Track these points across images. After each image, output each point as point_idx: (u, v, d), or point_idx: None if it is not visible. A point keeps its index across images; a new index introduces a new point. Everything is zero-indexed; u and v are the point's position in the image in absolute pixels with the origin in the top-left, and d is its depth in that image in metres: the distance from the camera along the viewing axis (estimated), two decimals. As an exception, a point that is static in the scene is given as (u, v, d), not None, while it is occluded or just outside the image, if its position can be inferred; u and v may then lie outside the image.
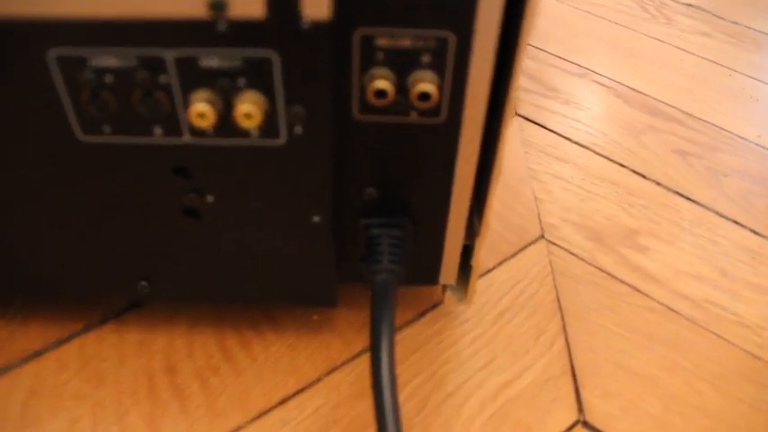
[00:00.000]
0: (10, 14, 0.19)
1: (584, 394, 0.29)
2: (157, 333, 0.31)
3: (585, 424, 0.28)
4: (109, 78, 0.21)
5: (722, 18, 0.57)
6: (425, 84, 0.22)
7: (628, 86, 0.48)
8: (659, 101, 0.47)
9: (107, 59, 0.20)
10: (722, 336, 0.32)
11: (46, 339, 0.31)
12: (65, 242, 0.26)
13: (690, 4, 0.59)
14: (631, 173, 0.40)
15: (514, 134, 0.42)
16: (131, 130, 0.22)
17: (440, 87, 0.22)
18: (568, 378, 0.30)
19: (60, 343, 0.31)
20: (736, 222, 0.38)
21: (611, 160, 0.41)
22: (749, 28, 0.56)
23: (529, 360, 0.30)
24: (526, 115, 0.45)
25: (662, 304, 0.33)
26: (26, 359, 0.30)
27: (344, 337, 0.31)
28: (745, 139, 0.44)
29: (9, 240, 0.26)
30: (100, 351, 0.31)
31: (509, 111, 0.23)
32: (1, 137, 0.23)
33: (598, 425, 0.28)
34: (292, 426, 0.28)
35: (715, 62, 0.51)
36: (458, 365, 0.30)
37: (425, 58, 0.22)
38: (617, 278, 0.34)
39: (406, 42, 0.21)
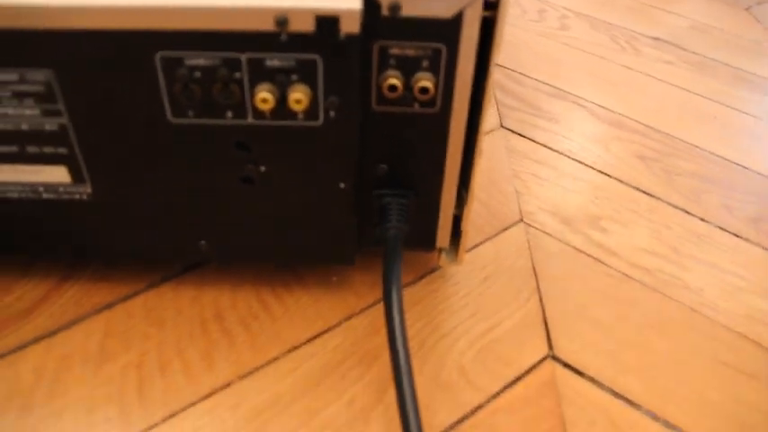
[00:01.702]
0: (133, 26, 0.29)
1: (553, 336, 0.39)
2: (206, 291, 0.41)
3: (554, 357, 0.38)
4: (197, 74, 0.31)
5: (685, 49, 0.69)
6: (425, 81, 0.32)
7: (599, 105, 0.59)
8: (625, 116, 0.57)
9: (198, 60, 0.30)
10: (669, 296, 0.42)
11: (114, 296, 0.41)
12: (143, 207, 0.36)
13: (656, 38, 0.71)
14: (598, 173, 0.51)
15: (500, 142, 0.53)
16: (209, 113, 0.32)
17: (435, 85, 0.32)
18: (541, 325, 0.39)
19: (127, 298, 0.40)
20: (686, 212, 0.48)
21: (582, 163, 0.52)
22: (708, 58, 0.68)
23: (509, 312, 0.40)
24: (511, 128, 0.55)
25: (619, 272, 0.43)
26: (99, 310, 0.40)
27: (359, 293, 0.41)
28: (699, 148, 0.54)
29: (99, 207, 0.36)
30: (160, 304, 0.40)
31: (486, 103, 0.33)
32: (109, 117, 0.32)
33: (564, 358, 0.38)
34: (319, 356, 0.37)
35: (677, 86, 0.63)
36: (450, 315, 0.40)
37: (425, 63, 0.32)
38: (583, 252, 0.44)
39: (411, 51, 0.31)
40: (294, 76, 0.31)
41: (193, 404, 0.35)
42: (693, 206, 0.48)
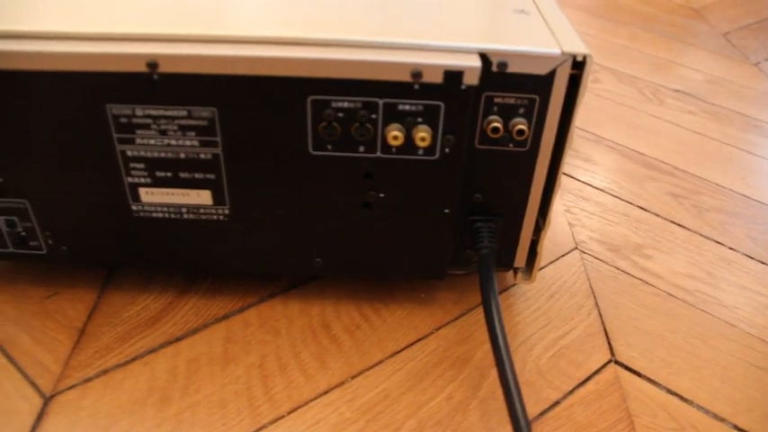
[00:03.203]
0: (292, 73, 0.38)
1: (614, 344, 0.47)
2: (313, 304, 0.48)
3: (616, 362, 0.46)
4: (340, 114, 0.39)
5: (703, 100, 0.80)
6: (521, 125, 0.41)
7: (631, 149, 0.69)
8: (655, 159, 0.67)
9: (342, 103, 0.39)
10: (708, 312, 0.50)
11: (229, 308, 0.48)
12: (271, 227, 0.44)
13: (678, 90, 0.82)
14: (637, 208, 0.60)
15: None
16: (345, 148, 0.41)
17: (529, 128, 0.41)
18: (602, 335, 0.48)
19: (242, 310, 0.48)
20: (716, 242, 0.57)
21: (622, 199, 0.61)
22: (724, 108, 0.79)
23: (574, 323, 0.48)
24: (556, 168, 0.65)
25: (664, 291, 0.52)
26: (218, 320, 0.47)
27: (445, 308, 0.49)
28: (721, 186, 0.64)
29: (233, 227, 0.44)
30: (272, 315, 0.48)
31: (568, 146, 0.42)
32: (257, 148, 0.41)
33: (624, 362, 0.46)
34: (418, 359, 0.45)
35: (698, 132, 0.73)
36: (525, 326, 0.48)
37: (521, 110, 0.40)
38: (631, 275, 0.53)
39: (512, 100, 0.40)
40: (420, 118, 0.39)
41: (313, 399, 0.42)
42: (722, 237, 0.58)
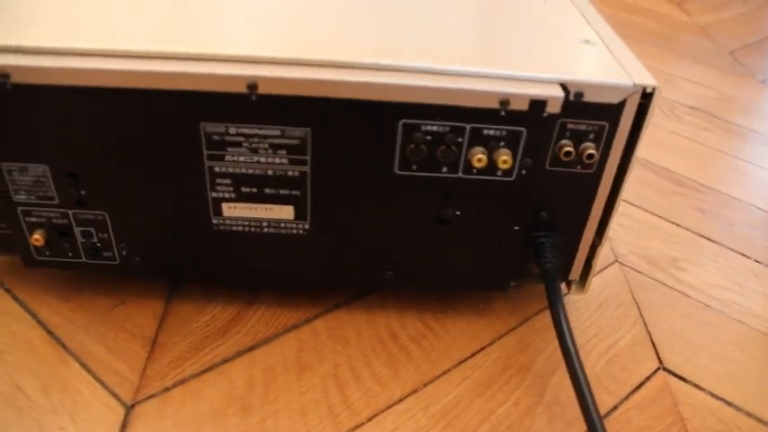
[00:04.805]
0: (386, 98, 0.42)
1: (661, 352, 0.53)
2: (377, 315, 0.53)
3: (665, 368, 0.52)
4: (428, 137, 0.44)
5: (718, 117, 0.88)
6: (591, 149, 0.46)
7: (658, 165, 0.75)
8: (680, 174, 0.74)
9: (432, 127, 0.43)
10: (741, 321, 0.56)
11: (297, 318, 0.52)
12: (348, 241, 0.48)
13: (693, 107, 0.89)
14: (668, 222, 0.66)
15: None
16: (429, 168, 0.45)
17: (597, 152, 0.46)
18: (648, 343, 0.53)
19: (309, 320, 0.52)
20: (743, 255, 0.63)
21: (654, 214, 0.67)
22: (738, 125, 0.86)
23: (622, 332, 0.54)
24: (586, 182, 0.71)
25: (700, 302, 0.57)
26: (288, 330, 0.51)
27: (502, 318, 0.54)
28: (742, 201, 0.71)
29: (311, 241, 0.48)
30: (340, 325, 0.52)
31: (630, 169, 0.47)
32: (344, 167, 0.45)
33: (672, 369, 0.52)
34: (483, 367, 0.50)
35: (715, 149, 0.80)
36: (579, 334, 0.53)
37: (591, 135, 0.46)
38: (669, 286, 0.59)
39: (583, 127, 0.45)
40: (502, 143, 0.44)
41: (390, 406, 0.47)
42: (747, 250, 0.64)
